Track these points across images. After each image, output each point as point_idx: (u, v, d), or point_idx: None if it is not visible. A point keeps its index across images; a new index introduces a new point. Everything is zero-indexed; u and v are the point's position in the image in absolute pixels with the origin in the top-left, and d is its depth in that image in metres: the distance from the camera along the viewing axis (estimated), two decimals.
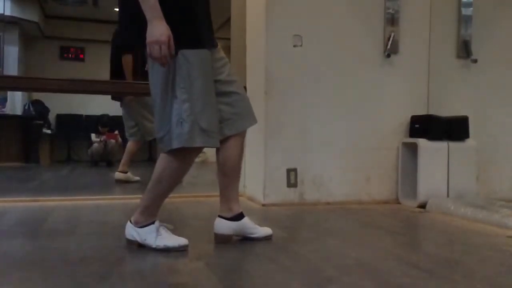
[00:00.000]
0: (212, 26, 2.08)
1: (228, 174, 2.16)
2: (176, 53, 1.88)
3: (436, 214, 3.05)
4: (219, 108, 2.05)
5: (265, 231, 2.21)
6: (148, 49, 1.83)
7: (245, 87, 3.61)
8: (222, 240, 2.14)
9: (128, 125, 4.65)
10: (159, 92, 1.94)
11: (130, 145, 4.72)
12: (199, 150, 2.02)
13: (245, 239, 2.17)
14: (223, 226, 2.15)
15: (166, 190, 2.03)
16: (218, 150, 2.13)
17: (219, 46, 2.12)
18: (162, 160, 1.99)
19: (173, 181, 2.03)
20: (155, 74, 1.95)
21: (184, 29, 1.88)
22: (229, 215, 2.15)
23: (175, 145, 1.92)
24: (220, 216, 2.16)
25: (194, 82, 1.92)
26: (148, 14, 1.82)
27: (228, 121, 2.08)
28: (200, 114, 1.93)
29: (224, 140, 2.10)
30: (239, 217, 2.15)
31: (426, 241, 2.57)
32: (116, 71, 4.47)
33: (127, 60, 4.40)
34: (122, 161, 4.71)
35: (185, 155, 1.98)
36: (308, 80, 3.33)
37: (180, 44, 1.87)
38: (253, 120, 2.18)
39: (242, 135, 2.15)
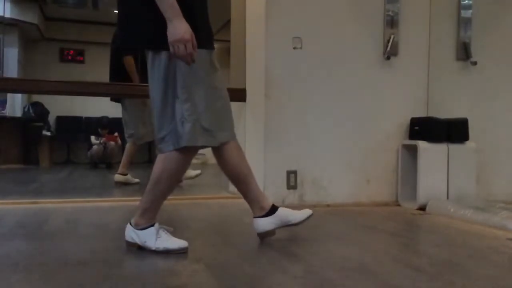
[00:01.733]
0: (211, 28, 2.08)
1: (241, 181, 2.18)
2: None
3: (436, 216, 3.05)
4: None
5: (304, 213, 2.23)
6: (172, 48, 1.83)
7: (245, 89, 3.64)
8: (266, 236, 2.19)
9: (128, 126, 4.65)
10: (160, 92, 1.94)
11: (129, 146, 4.72)
12: (197, 149, 2.03)
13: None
14: (262, 223, 2.18)
15: (165, 191, 2.03)
16: (220, 165, 2.14)
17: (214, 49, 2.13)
18: (160, 161, 2.00)
19: (172, 182, 2.03)
20: (156, 74, 1.95)
21: None
22: (263, 213, 2.17)
23: (180, 144, 1.93)
24: (256, 217, 2.19)
25: (194, 82, 1.93)
26: (167, 14, 1.82)
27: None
28: (202, 114, 1.94)
29: (216, 153, 2.11)
30: (273, 210, 2.18)
31: (426, 243, 2.57)
32: (116, 72, 4.47)
33: (129, 62, 4.40)
34: (122, 162, 4.71)
35: (184, 155, 1.98)
36: (308, 82, 3.33)
37: None
38: (231, 135, 2.13)
39: (231, 142, 2.13)
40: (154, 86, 1.97)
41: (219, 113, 2.06)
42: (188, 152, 1.99)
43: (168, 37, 1.82)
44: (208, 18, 2.06)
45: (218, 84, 2.08)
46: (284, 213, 2.20)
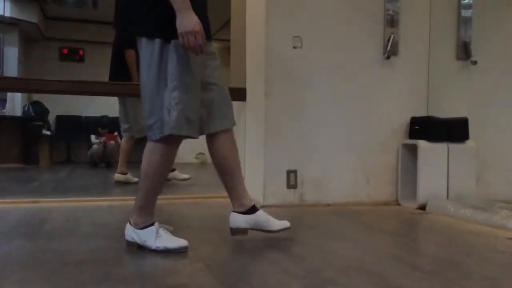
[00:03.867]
0: (207, 19, 2.07)
1: (227, 172, 2.17)
2: (169, 42, 1.91)
3: (436, 216, 3.05)
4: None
5: (282, 223, 2.22)
6: (181, 39, 1.86)
7: (245, 89, 3.64)
8: (237, 233, 2.18)
9: (124, 120, 4.64)
10: (153, 79, 1.95)
11: (123, 143, 4.71)
12: (180, 140, 2.04)
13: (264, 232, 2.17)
14: (238, 219, 2.18)
15: (156, 185, 2.03)
16: (210, 152, 2.16)
17: (211, 42, 2.13)
18: (145, 156, 2.02)
19: (160, 175, 2.03)
20: (148, 61, 1.96)
21: (175, 20, 1.88)
22: (242, 209, 2.18)
23: (164, 132, 1.94)
24: (234, 212, 2.19)
25: (183, 72, 1.93)
26: (177, 4, 1.85)
27: (206, 121, 2.10)
28: (187, 104, 1.94)
29: (209, 141, 2.14)
30: (252, 210, 2.18)
31: (426, 242, 2.57)
32: (116, 70, 4.45)
33: (130, 54, 4.38)
34: (119, 162, 4.70)
35: (167, 145, 1.99)
36: (308, 81, 3.33)
37: (173, 33, 1.89)
38: (231, 122, 2.18)
39: (226, 132, 2.15)
40: (146, 73, 1.98)
41: (211, 104, 2.08)
42: (171, 143, 2.00)
43: (178, 28, 1.85)
44: (206, 9, 2.07)
45: (213, 73, 2.10)
46: (262, 218, 2.19)
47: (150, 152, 2.00)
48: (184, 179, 4.73)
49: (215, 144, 2.15)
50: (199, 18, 1.90)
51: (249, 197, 2.23)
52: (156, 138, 1.97)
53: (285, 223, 2.23)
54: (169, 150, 2.02)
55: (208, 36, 2.05)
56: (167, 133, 1.93)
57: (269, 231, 2.20)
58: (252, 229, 2.19)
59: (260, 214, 2.20)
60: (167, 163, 2.05)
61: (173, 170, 4.60)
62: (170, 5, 1.86)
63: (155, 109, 1.96)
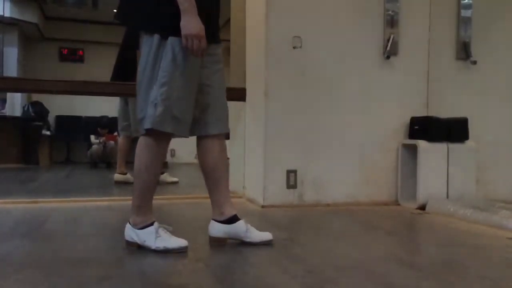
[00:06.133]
0: (212, 22, 2.05)
1: (212, 178, 2.14)
2: (166, 39, 1.91)
3: (435, 216, 3.05)
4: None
5: (263, 236, 2.15)
6: (185, 41, 1.87)
7: (245, 89, 3.64)
8: (215, 242, 2.13)
9: (122, 118, 4.63)
10: (147, 74, 1.96)
11: (120, 143, 4.71)
12: (168, 137, 2.03)
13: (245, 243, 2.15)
14: (216, 229, 2.13)
15: (149, 183, 2.03)
16: (199, 155, 2.15)
17: (219, 45, 2.12)
18: (137, 151, 2.02)
19: (153, 172, 2.03)
20: (146, 56, 1.96)
21: (175, 17, 1.88)
22: (221, 218, 2.12)
23: (146, 125, 1.94)
24: (213, 219, 2.15)
25: (176, 69, 1.93)
26: (183, 5, 1.86)
27: (199, 123, 2.09)
28: (175, 101, 1.94)
29: (199, 143, 2.12)
30: (232, 220, 2.12)
31: (425, 242, 2.57)
32: (119, 69, 4.44)
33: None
34: (118, 162, 4.70)
35: (154, 141, 1.99)
36: (308, 81, 3.33)
37: (170, 31, 1.90)
38: (224, 127, 2.15)
39: (218, 137, 2.13)
40: (143, 68, 1.98)
41: (205, 106, 2.07)
42: (159, 139, 2.00)
43: (182, 30, 1.87)
44: (218, 11, 2.08)
45: (212, 76, 2.09)
46: (241, 228, 2.12)
47: (141, 149, 2.01)
48: (172, 182, 4.74)
49: (204, 147, 2.12)
50: (208, 20, 1.92)
51: (231, 206, 2.15)
52: (143, 132, 1.98)
53: (268, 235, 2.16)
54: (158, 147, 2.01)
55: (217, 39, 2.05)
56: (147, 127, 1.94)
57: (249, 243, 2.12)
58: (232, 239, 2.14)
59: (240, 225, 2.12)
60: (157, 160, 2.04)
61: (162, 172, 4.60)
62: (169, 5, 1.87)
63: (146, 103, 1.97)
